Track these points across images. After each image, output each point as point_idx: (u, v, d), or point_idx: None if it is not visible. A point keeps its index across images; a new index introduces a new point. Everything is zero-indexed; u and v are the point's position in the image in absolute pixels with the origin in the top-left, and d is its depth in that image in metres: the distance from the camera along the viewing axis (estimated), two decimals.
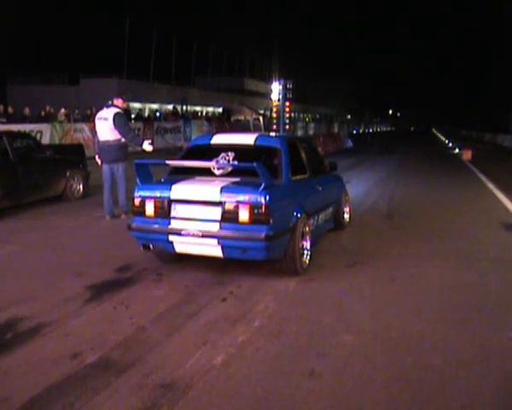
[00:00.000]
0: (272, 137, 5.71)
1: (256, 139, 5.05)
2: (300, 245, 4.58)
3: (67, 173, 8.33)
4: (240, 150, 4.84)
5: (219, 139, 5.18)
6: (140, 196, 4.49)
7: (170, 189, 4.37)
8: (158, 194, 4.42)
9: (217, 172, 4.65)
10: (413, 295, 4.16)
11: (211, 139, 5.20)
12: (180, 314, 3.69)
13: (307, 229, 4.74)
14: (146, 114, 29.36)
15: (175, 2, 48.68)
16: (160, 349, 3.15)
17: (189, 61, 37.67)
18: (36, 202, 7.80)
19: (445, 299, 4.08)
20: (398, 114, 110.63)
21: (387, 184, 11.57)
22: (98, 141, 7.03)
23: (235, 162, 4.66)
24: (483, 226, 6.88)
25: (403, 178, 12.91)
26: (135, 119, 23.13)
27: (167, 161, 4.69)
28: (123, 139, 6.93)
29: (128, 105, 26.15)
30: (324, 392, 2.71)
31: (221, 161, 4.70)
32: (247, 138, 5.14)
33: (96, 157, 7.18)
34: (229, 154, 4.77)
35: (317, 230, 5.27)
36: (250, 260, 4.41)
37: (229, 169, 4.60)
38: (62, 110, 19.76)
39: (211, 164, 4.63)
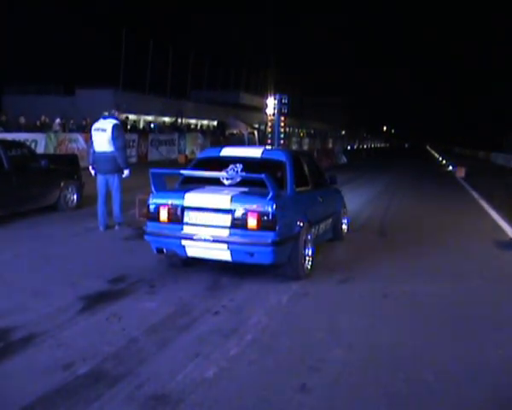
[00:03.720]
0: (277, 150, 6.10)
1: (262, 152, 5.44)
2: (303, 252, 4.89)
3: (62, 183, 8.33)
4: (247, 162, 5.18)
5: (228, 152, 5.55)
6: (155, 203, 4.81)
7: (183, 197, 4.69)
8: (172, 201, 4.74)
9: (226, 181, 4.99)
10: (405, 312, 4.20)
11: (220, 151, 5.59)
12: (172, 327, 3.70)
13: (309, 237, 5.09)
14: (141, 126, 29.44)
15: (172, 14, 49.18)
16: (152, 361, 3.16)
17: (184, 73, 37.96)
18: (29, 212, 7.79)
19: (437, 316, 4.12)
20: (393, 131, 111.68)
21: (381, 200, 11.66)
22: (94, 152, 7.06)
23: (243, 173, 4.97)
24: (476, 243, 6.97)
25: (396, 194, 13.01)
26: (130, 130, 23.20)
27: (182, 171, 5.15)
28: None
29: (127, 118, 26.30)
30: (316, 406, 2.73)
31: (230, 172, 4.99)
32: (254, 151, 5.56)
33: (90, 168, 7.20)
34: (238, 165, 5.12)
35: (317, 238, 5.57)
36: (257, 263, 4.69)
37: (238, 179, 4.93)
38: (57, 120, 19.80)
39: (222, 174, 4.95)
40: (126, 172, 7.07)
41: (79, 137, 16.99)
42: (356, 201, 10.54)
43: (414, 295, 4.62)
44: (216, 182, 4.98)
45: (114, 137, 6.85)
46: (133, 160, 18.77)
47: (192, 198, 4.68)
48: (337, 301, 4.40)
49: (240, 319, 3.87)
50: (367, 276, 5.19)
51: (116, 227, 7.09)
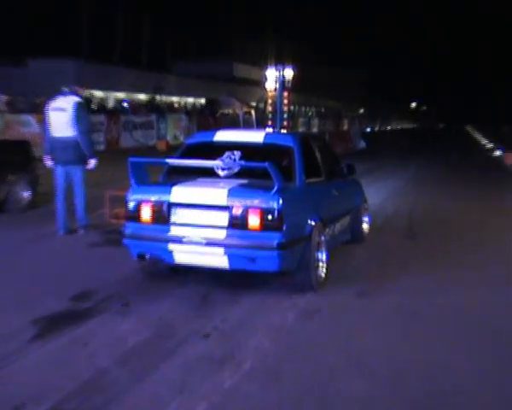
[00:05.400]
0: (283, 133, 6.19)
1: (265, 136, 5.55)
2: (315, 256, 4.94)
3: (10, 178, 8.30)
4: (247, 149, 5.25)
5: (223, 136, 5.66)
6: (135, 199, 4.85)
7: (170, 191, 4.75)
8: (156, 197, 4.80)
9: (221, 172, 5.04)
10: (439, 332, 4.19)
11: (213, 136, 5.68)
12: (152, 354, 3.69)
13: (323, 238, 5.15)
14: (110, 105, 29.43)
15: None
16: (127, 398, 3.14)
17: (164, 40, 37.92)
18: None
19: (477, 335, 4.13)
20: (425, 108, 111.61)
21: (408, 194, 11.68)
22: (50, 137, 7.03)
23: (242, 162, 5.01)
24: None
25: (426, 187, 13.03)
26: (96, 110, 23.17)
27: (168, 160, 5.24)
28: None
29: (91, 94, 26.22)
30: None
31: (227, 161, 5.05)
32: (255, 135, 5.72)
33: (46, 158, 7.17)
34: (235, 153, 5.15)
35: (333, 240, 5.65)
36: (259, 271, 4.76)
37: (236, 169, 4.96)
38: (3, 98, 19.74)
39: (217, 163, 5.01)
40: (92, 162, 7.06)
41: (31, 119, 16.95)
42: (377, 196, 10.55)
43: (449, 311, 4.62)
44: (209, 173, 5.04)
45: (76, 119, 6.83)
46: (101, 147, 18.76)
47: (180, 193, 4.75)
48: (355, 320, 4.40)
49: (235, 344, 3.86)
50: (392, 288, 5.19)
51: (80, 231, 7.08)
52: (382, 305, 4.73)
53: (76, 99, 6.96)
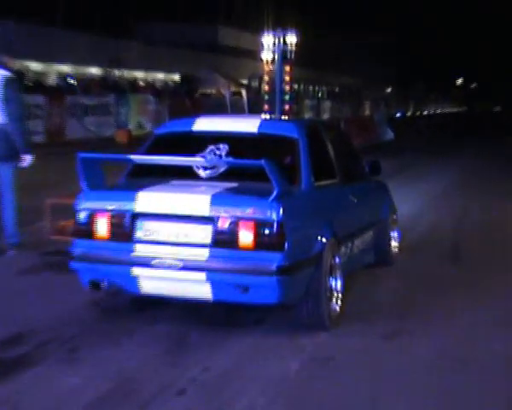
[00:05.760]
0: (284, 121, 6.39)
1: (260, 125, 5.68)
2: (328, 284, 4.99)
3: None
4: (236, 142, 5.40)
5: (205, 125, 5.81)
6: (87, 209, 4.89)
7: (134, 198, 4.80)
8: (115, 205, 4.87)
9: (203, 172, 5.10)
10: (500, 390, 4.17)
11: (192, 124, 5.80)
12: None
13: (337, 260, 5.19)
14: (51, 82, 29.40)
15: None
16: None
17: None
18: None
19: None
20: (475, 85, 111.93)
21: (451, 202, 11.75)
22: None
23: (231, 159, 5.10)
24: None
25: (475, 193, 13.04)
26: (32, 89, 23.12)
27: (131, 156, 5.30)
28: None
29: (26, 67, 26.09)
30: None
31: (210, 157, 5.11)
32: (247, 124, 5.86)
33: None
34: (221, 147, 5.24)
35: (350, 263, 5.74)
36: (253, 304, 4.81)
37: (222, 169, 5.01)
38: None
39: (197, 160, 5.10)
40: (27, 158, 7.07)
41: None
42: (410, 203, 10.59)
43: (504, 362, 4.61)
44: (186, 173, 5.12)
45: (5, 100, 6.87)
46: (39, 138, 18.71)
47: (148, 200, 4.81)
48: (381, 370, 4.40)
49: (220, 402, 3.85)
50: (429, 327, 5.22)
51: (10, 252, 7.08)
52: (416, 351, 4.74)
53: (4, 73, 6.99)
